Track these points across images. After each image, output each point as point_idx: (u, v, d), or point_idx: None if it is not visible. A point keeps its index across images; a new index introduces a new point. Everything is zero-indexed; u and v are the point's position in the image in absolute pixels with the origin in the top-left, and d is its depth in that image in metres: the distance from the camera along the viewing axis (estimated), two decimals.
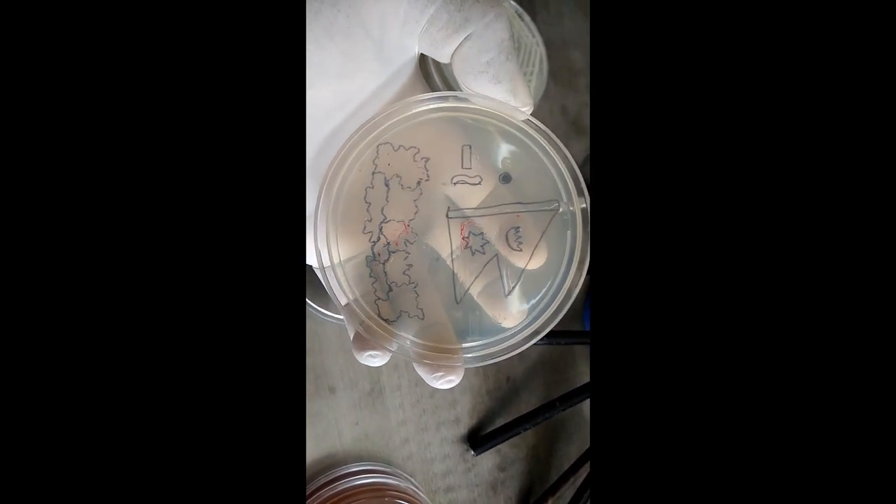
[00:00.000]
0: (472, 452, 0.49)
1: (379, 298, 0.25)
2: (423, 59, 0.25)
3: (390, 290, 0.25)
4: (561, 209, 0.25)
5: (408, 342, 0.25)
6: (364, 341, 0.25)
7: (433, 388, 0.48)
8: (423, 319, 0.25)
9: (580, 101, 0.55)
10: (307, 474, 0.44)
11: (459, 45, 0.24)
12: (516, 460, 0.51)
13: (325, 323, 0.45)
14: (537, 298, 0.25)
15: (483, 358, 0.25)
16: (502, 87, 0.24)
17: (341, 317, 0.43)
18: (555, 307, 0.25)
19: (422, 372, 0.25)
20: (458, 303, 0.26)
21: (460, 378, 0.25)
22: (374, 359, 0.25)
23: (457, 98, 0.25)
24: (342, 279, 0.25)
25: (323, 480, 0.43)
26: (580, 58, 0.55)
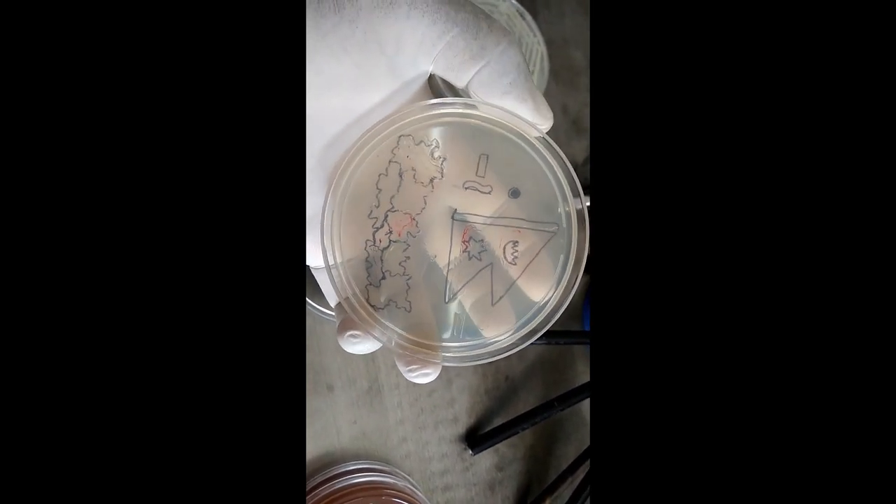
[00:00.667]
0: (470, 452, 0.49)
1: (370, 284, 0.26)
2: None
3: (383, 277, 0.26)
4: (558, 232, 0.26)
5: (390, 332, 0.26)
6: (347, 323, 0.26)
7: (430, 386, 0.49)
8: (409, 312, 0.26)
9: (581, 101, 0.55)
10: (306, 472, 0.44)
11: (478, 71, 0.25)
12: (514, 460, 0.51)
13: (323, 321, 0.44)
14: (522, 314, 0.26)
15: (460, 359, 0.26)
16: (527, 105, 0.25)
17: None
18: (536, 324, 0.26)
19: (399, 363, 0.26)
20: (446, 302, 0.26)
21: (436, 374, 0.26)
22: (356, 342, 0.26)
23: (481, 107, 0.26)
24: (341, 270, 0.26)
25: (320, 479, 0.43)
26: (581, 57, 0.55)
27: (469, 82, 0.25)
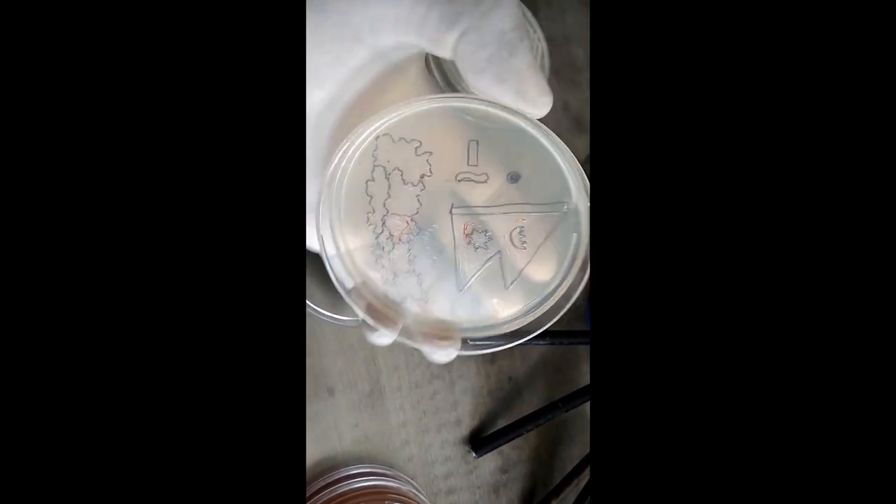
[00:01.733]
0: (474, 454, 0.48)
1: (386, 281, 0.26)
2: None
3: (395, 276, 0.26)
4: (567, 212, 0.25)
5: (410, 321, 0.26)
6: (375, 321, 0.26)
7: (433, 389, 0.48)
8: (426, 303, 0.26)
9: (582, 98, 0.54)
10: (306, 477, 0.43)
11: (456, 42, 0.22)
12: (518, 462, 0.50)
13: (323, 323, 0.44)
14: (537, 297, 0.26)
15: (479, 341, 0.27)
16: (507, 87, 0.22)
17: (340, 317, 0.43)
18: (551, 304, 0.26)
19: (421, 345, 0.26)
20: (460, 292, 0.26)
21: (457, 351, 0.26)
22: (383, 338, 0.26)
23: (462, 97, 0.24)
24: (349, 265, 0.26)
25: (322, 483, 0.43)
26: (582, 54, 0.54)
27: (454, 58, 0.22)
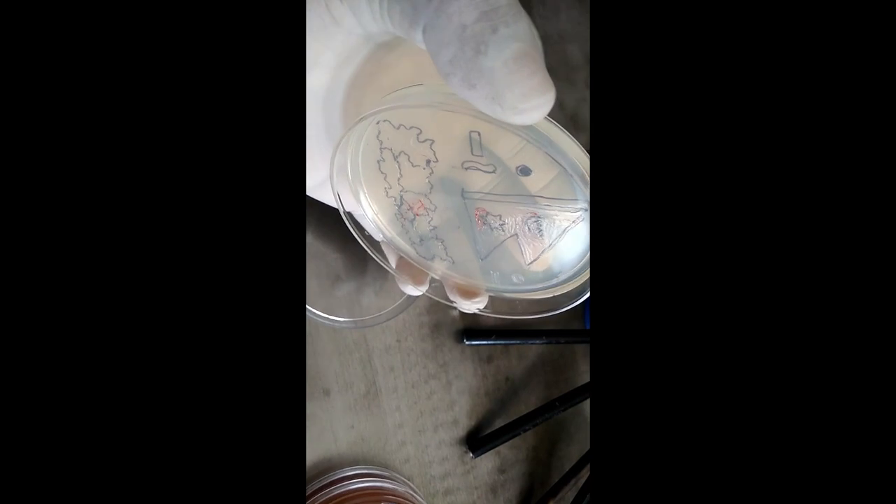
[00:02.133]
0: (471, 455, 0.48)
1: (413, 243, 0.28)
2: None
3: (421, 240, 0.28)
4: (585, 212, 0.24)
5: (440, 276, 0.29)
6: (406, 274, 0.29)
7: (429, 389, 0.48)
8: (454, 263, 0.28)
9: (578, 97, 0.54)
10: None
11: (421, 41, 0.19)
12: (516, 462, 0.50)
13: (318, 324, 0.44)
14: (556, 279, 0.26)
15: (503, 292, 0.28)
16: (478, 92, 0.18)
17: (335, 318, 0.42)
18: (572, 287, 0.26)
19: (453, 295, 0.28)
20: (482, 260, 0.28)
21: (485, 301, 0.28)
22: (416, 289, 0.29)
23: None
24: (375, 226, 0.28)
25: (318, 485, 0.43)
26: (578, 52, 0.54)
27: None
